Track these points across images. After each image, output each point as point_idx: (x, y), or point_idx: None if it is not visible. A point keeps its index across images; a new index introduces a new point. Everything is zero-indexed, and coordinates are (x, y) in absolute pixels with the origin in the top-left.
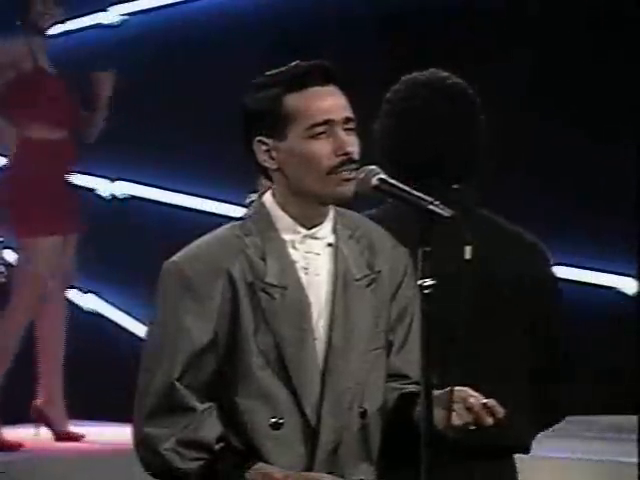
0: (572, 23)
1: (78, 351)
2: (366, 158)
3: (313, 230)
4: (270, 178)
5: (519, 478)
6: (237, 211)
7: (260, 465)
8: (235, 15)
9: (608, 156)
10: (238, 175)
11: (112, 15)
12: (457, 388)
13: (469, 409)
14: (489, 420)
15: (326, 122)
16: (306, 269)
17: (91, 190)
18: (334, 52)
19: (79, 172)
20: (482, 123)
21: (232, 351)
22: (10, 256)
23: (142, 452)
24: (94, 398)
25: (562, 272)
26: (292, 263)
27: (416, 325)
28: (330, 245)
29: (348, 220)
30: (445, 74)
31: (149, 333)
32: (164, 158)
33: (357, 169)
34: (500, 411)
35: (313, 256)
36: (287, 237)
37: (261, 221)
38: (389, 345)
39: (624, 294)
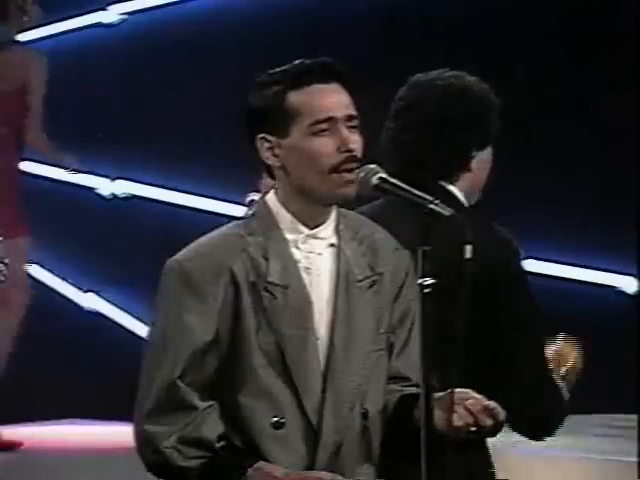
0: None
1: (78, 350)
2: (369, 156)
3: (315, 230)
4: (274, 176)
5: (520, 476)
6: (237, 210)
7: (261, 464)
8: (235, 14)
9: (609, 156)
10: (238, 174)
11: (111, 14)
12: (458, 390)
13: (469, 411)
14: (488, 421)
15: (328, 119)
16: (308, 269)
17: (92, 189)
18: (336, 50)
19: (80, 171)
20: (466, 123)
21: (234, 350)
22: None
23: (143, 450)
24: (94, 397)
25: (563, 271)
26: (295, 263)
27: (417, 327)
28: (332, 245)
29: (351, 221)
30: (448, 74)
31: (151, 331)
32: (165, 157)
33: (360, 167)
34: (500, 413)
35: (315, 256)
36: (290, 237)
37: (264, 220)
38: (390, 347)
39: (625, 293)
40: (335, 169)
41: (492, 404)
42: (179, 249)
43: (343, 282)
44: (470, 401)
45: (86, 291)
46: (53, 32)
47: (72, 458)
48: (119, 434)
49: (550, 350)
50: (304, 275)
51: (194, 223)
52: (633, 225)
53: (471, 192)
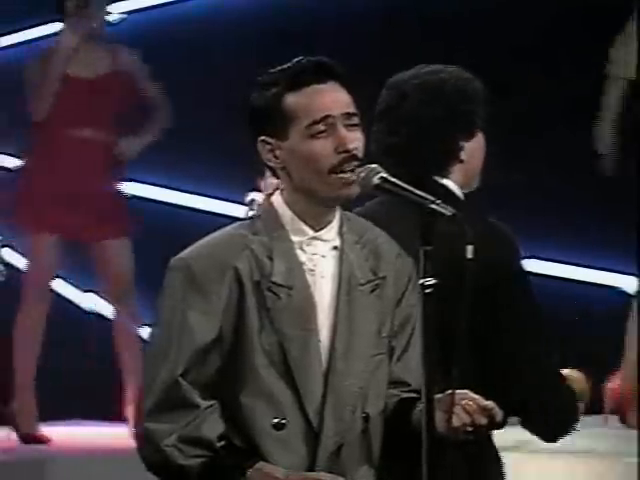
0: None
1: (78, 351)
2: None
3: (320, 232)
4: (278, 176)
5: (521, 476)
6: (238, 210)
7: (261, 464)
8: (234, 13)
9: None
10: (239, 174)
11: (111, 13)
12: (458, 391)
13: (466, 411)
14: (483, 420)
15: (325, 118)
16: (312, 271)
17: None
18: (335, 49)
19: None
20: (447, 117)
21: (236, 349)
22: (9, 255)
23: (143, 448)
24: (94, 398)
25: (566, 271)
26: (299, 264)
27: (418, 333)
28: (335, 248)
29: (355, 225)
30: (424, 71)
31: (154, 329)
32: (166, 157)
33: (360, 166)
34: (498, 413)
35: (319, 258)
36: (295, 238)
37: (269, 221)
38: (391, 352)
39: (627, 293)
40: (334, 170)
41: (490, 404)
42: (180, 249)
43: (345, 285)
44: (466, 401)
45: (86, 291)
46: (53, 31)
47: (73, 458)
48: (119, 435)
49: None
50: (308, 277)
51: (195, 223)
52: (634, 224)
53: (466, 183)
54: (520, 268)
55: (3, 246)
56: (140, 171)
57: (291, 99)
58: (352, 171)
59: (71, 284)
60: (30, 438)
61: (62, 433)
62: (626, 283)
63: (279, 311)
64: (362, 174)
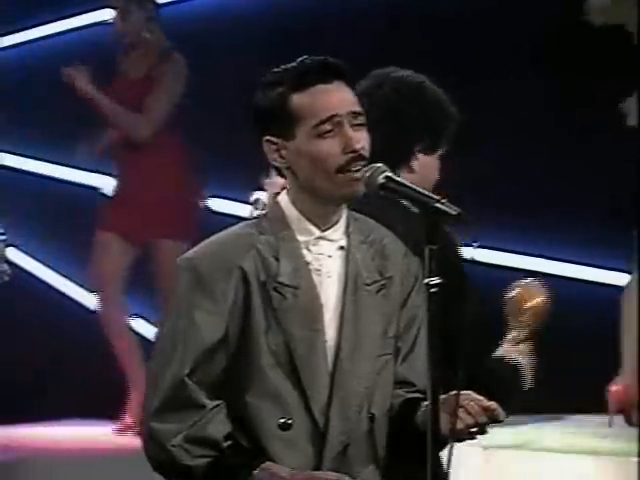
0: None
1: (84, 350)
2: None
3: (327, 232)
4: (284, 176)
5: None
6: (242, 209)
7: (267, 464)
8: (237, 11)
9: (614, 154)
10: (242, 173)
11: (113, 12)
12: (463, 392)
13: (469, 412)
14: (483, 419)
15: (331, 118)
16: (318, 270)
17: (96, 189)
18: (338, 48)
19: (85, 170)
20: (412, 117)
21: (242, 349)
22: (15, 255)
23: (149, 447)
24: (99, 398)
25: (568, 270)
26: (305, 264)
27: (423, 334)
28: (342, 248)
29: (361, 225)
30: (408, 72)
31: (161, 329)
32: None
33: (367, 165)
34: (501, 413)
35: (325, 258)
36: (301, 238)
37: (275, 220)
38: (397, 352)
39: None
40: (341, 169)
41: (492, 404)
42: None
43: (351, 285)
44: (469, 402)
45: (92, 291)
46: (54, 31)
47: (74, 458)
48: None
49: (511, 292)
50: (314, 277)
51: (197, 223)
52: (634, 223)
53: None
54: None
55: (7, 246)
56: None
57: (297, 99)
58: (358, 170)
59: (77, 284)
60: None
61: (60, 432)
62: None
63: (285, 311)
64: (367, 173)
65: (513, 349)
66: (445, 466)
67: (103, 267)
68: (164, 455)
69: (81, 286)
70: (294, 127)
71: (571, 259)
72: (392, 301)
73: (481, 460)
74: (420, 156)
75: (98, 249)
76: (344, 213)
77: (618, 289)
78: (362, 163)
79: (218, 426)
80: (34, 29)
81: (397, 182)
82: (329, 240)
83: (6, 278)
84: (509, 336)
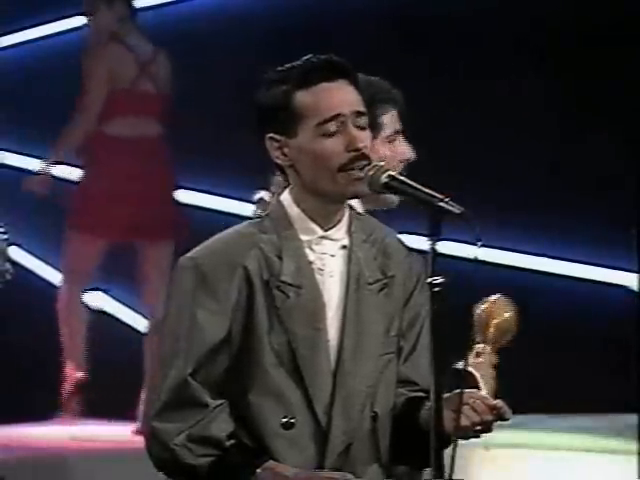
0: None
1: (86, 347)
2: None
3: (329, 231)
4: (286, 175)
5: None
6: (246, 208)
7: (270, 463)
8: (240, 11)
9: (618, 154)
10: (245, 172)
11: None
12: (467, 390)
13: (475, 410)
14: (489, 417)
15: (335, 117)
16: (321, 270)
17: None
18: (337, 48)
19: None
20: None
21: (245, 349)
22: (17, 254)
23: (152, 446)
24: (100, 396)
25: (571, 270)
26: (308, 263)
27: (426, 333)
28: (344, 247)
29: (363, 224)
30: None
31: (163, 328)
32: (172, 155)
33: (369, 165)
34: (507, 411)
35: (328, 257)
36: (304, 237)
37: (278, 220)
38: (400, 351)
39: (634, 291)
40: (344, 168)
41: (498, 403)
42: (189, 248)
43: (354, 284)
44: (474, 400)
45: (92, 289)
46: (55, 31)
47: (76, 457)
48: (124, 433)
49: (480, 307)
50: (317, 276)
51: (200, 221)
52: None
53: (372, 200)
54: None
55: (10, 245)
56: None
57: (300, 97)
58: (361, 169)
59: None
60: None
61: (62, 432)
62: (634, 282)
63: (288, 310)
64: (370, 172)
65: (473, 361)
66: (449, 465)
67: (75, 264)
68: (167, 454)
69: None
70: (297, 125)
71: (574, 258)
72: (394, 300)
73: (483, 459)
74: None
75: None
76: (346, 212)
77: (623, 289)
78: (364, 162)
79: (221, 425)
80: (33, 29)
81: (400, 181)
82: (332, 239)
83: (8, 277)
84: (473, 348)
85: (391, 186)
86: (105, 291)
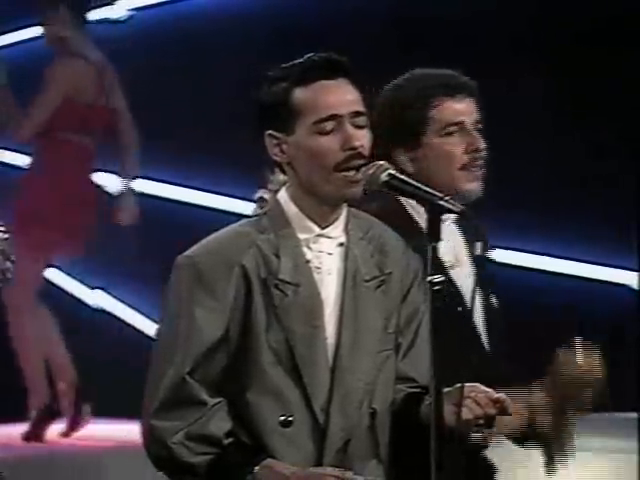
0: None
1: (85, 348)
2: None
3: (326, 230)
4: (285, 173)
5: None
6: (246, 207)
7: (269, 461)
8: (242, 9)
9: (618, 152)
10: (247, 171)
11: (118, 10)
12: (468, 384)
13: (477, 403)
14: (492, 410)
15: (332, 117)
16: (319, 268)
17: (99, 187)
18: (337, 48)
19: None
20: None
21: (243, 347)
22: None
23: (150, 445)
24: (101, 395)
25: (572, 268)
26: (306, 262)
27: (423, 329)
28: (341, 245)
29: (361, 221)
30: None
31: (161, 327)
32: (173, 154)
33: (366, 165)
34: (510, 405)
35: (325, 256)
36: (301, 236)
37: (276, 218)
38: (398, 347)
39: (634, 290)
40: (339, 167)
41: (502, 396)
42: (187, 246)
43: (350, 281)
44: (476, 394)
45: (93, 288)
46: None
47: (77, 457)
48: (126, 432)
49: (569, 363)
50: (314, 275)
51: (202, 220)
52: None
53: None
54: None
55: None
56: (147, 168)
57: (299, 93)
58: (357, 170)
59: (79, 281)
60: None
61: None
62: (635, 281)
63: (286, 308)
64: (369, 171)
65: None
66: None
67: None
68: (165, 452)
69: (82, 283)
70: (295, 121)
71: (574, 257)
72: (392, 297)
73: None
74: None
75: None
76: (344, 210)
77: (624, 288)
78: (361, 162)
79: (219, 423)
80: (31, 29)
81: (401, 180)
82: (329, 237)
83: (9, 275)
84: (539, 391)
85: (391, 184)
86: (105, 290)
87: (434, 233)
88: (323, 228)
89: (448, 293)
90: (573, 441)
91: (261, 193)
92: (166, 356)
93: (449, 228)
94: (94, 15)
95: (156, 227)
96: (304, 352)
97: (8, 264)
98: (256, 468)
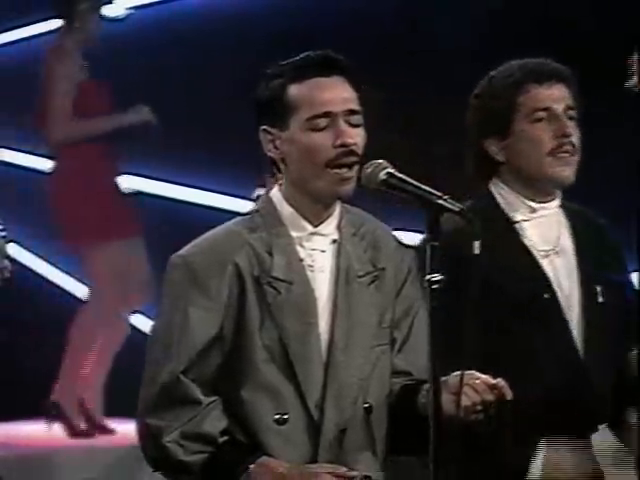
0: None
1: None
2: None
3: (319, 227)
4: (279, 169)
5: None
6: (244, 205)
7: (264, 459)
8: (240, 8)
9: (618, 152)
10: (245, 169)
11: (117, 8)
12: (466, 372)
13: (475, 389)
14: (490, 396)
15: (326, 114)
16: (311, 266)
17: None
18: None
19: None
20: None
21: (237, 345)
22: (16, 251)
23: (145, 444)
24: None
25: None
26: (299, 260)
27: (418, 324)
28: (334, 242)
29: (353, 217)
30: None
31: (155, 326)
32: (171, 152)
33: (358, 163)
34: (508, 392)
35: (318, 253)
36: (294, 234)
37: (268, 216)
38: (393, 342)
39: (634, 289)
40: (331, 164)
41: (499, 381)
42: (185, 245)
43: (343, 278)
44: (474, 381)
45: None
46: (59, 25)
47: (78, 456)
48: (126, 431)
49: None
50: (307, 272)
51: (200, 219)
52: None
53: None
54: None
55: (9, 242)
56: (145, 167)
57: (294, 90)
58: (349, 167)
59: (78, 280)
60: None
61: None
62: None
63: (279, 306)
64: (368, 169)
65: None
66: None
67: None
68: (160, 451)
69: (81, 282)
70: (289, 117)
71: None
72: (385, 292)
73: None
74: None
75: None
76: (337, 207)
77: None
78: (353, 159)
79: (214, 422)
80: (31, 26)
81: (399, 178)
82: (322, 235)
83: (7, 274)
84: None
85: (390, 183)
86: None
87: (432, 232)
88: (316, 226)
89: (532, 278)
90: None
91: (260, 192)
92: (160, 355)
93: (555, 217)
94: None
95: (155, 226)
96: (298, 349)
97: (6, 262)
98: (251, 466)
